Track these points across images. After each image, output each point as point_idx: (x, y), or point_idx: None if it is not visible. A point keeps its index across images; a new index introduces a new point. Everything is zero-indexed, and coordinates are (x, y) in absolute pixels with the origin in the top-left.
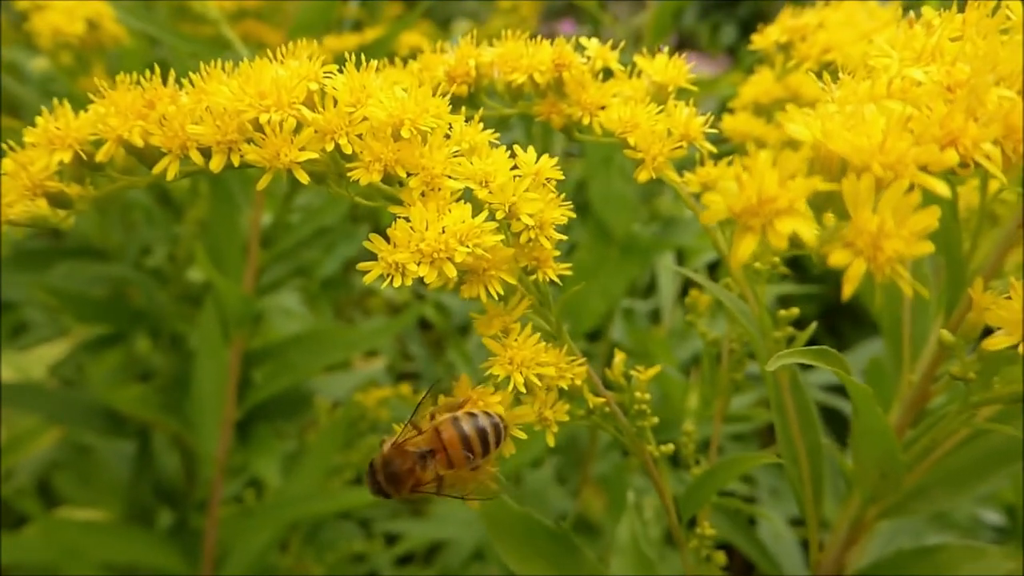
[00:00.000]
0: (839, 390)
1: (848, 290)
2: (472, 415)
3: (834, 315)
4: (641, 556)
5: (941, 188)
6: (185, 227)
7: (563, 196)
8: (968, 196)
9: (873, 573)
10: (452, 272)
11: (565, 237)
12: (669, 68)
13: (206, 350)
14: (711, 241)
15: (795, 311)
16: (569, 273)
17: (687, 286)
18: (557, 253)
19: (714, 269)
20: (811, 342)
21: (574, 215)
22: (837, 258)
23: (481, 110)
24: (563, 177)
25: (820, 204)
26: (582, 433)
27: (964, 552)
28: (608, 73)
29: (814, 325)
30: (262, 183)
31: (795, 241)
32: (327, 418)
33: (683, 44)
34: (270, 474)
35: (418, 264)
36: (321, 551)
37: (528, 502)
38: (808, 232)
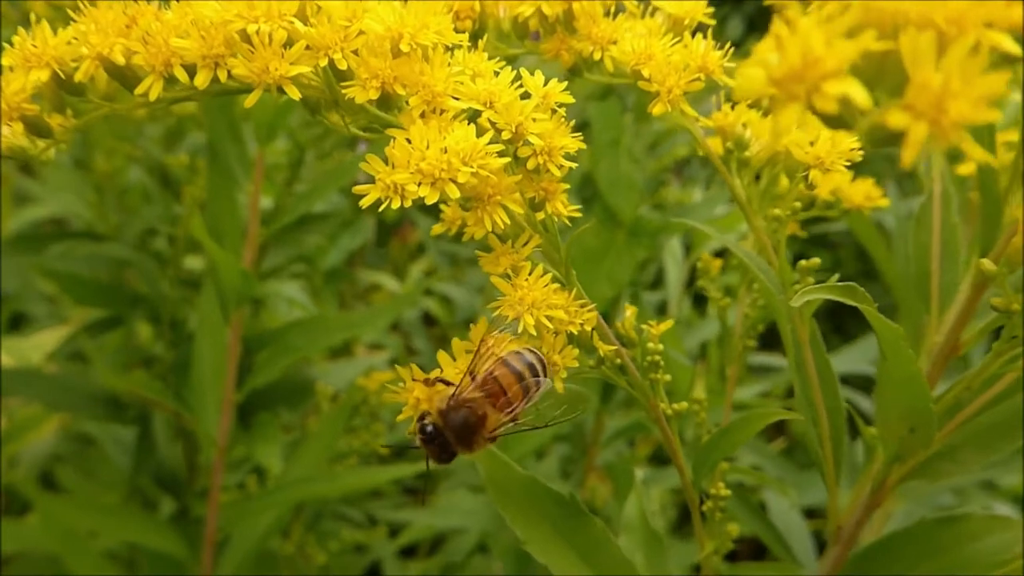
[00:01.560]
0: (846, 381)
1: (910, 156)
2: (517, 353)
3: (840, 312)
4: (650, 533)
5: (1010, 46)
6: (184, 206)
7: (568, 187)
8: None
9: (895, 542)
10: (455, 193)
11: (575, 164)
12: (686, 2)
13: (206, 329)
14: (728, 186)
15: (816, 261)
16: (579, 214)
17: (693, 278)
18: (566, 186)
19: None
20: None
21: (584, 145)
22: (896, 120)
23: (487, 37)
24: (573, 101)
25: (869, 78)
26: (587, 423)
27: (988, 522)
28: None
29: (836, 276)
30: (250, 100)
31: (846, 106)
32: (329, 405)
33: None
34: (271, 461)
35: (418, 185)
36: (323, 540)
37: None
38: (860, 94)
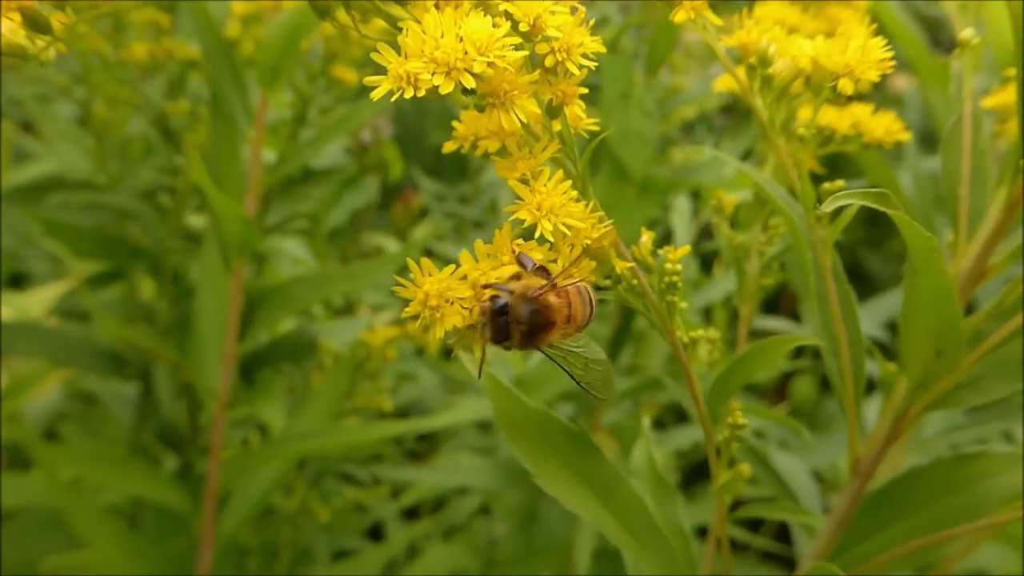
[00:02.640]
0: None
1: None
2: (590, 294)
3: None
4: (658, 478)
5: None
6: (185, 156)
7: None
8: None
9: (912, 479)
10: (470, 82)
11: (594, 64)
12: None
13: (207, 278)
14: (751, 107)
15: (840, 183)
16: (595, 127)
17: (701, 237)
18: (584, 91)
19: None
20: None
21: (604, 49)
22: None
23: None
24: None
25: None
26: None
27: (1006, 460)
28: None
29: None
30: None
31: None
32: (333, 362)
33: None
34: (273, 416)
35: (432, 74)
36: (326, 498)
37: None
38: None
